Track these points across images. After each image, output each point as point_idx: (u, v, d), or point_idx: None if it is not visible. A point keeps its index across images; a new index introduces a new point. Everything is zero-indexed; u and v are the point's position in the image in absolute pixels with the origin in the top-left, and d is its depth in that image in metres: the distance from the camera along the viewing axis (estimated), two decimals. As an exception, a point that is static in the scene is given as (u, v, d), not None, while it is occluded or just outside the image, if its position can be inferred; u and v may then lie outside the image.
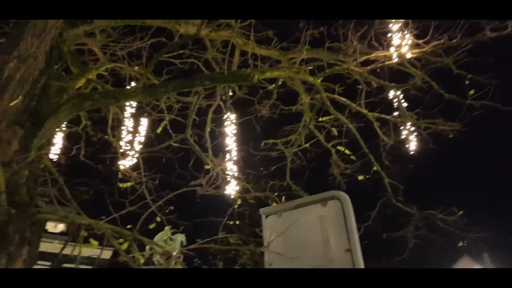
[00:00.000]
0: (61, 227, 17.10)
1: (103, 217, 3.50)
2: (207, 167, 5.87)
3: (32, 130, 3.52)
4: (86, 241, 3.88)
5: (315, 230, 2.99)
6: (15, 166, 3.40)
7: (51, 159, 5.55)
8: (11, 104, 3.22)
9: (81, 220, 3.22)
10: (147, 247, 8.52)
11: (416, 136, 5.53)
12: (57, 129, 4.24)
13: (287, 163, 4.86)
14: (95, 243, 4.18)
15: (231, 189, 4.96)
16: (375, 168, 5.10)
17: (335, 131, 5.22)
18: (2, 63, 3.71)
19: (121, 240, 3.76)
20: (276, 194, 4.53)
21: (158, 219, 4.26)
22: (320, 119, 5.17)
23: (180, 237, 9.45)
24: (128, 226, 4.03)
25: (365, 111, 5.06)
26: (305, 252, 2.94)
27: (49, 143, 4.51)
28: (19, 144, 3.45)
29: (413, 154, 5.51)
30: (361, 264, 2.74)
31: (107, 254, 13.95)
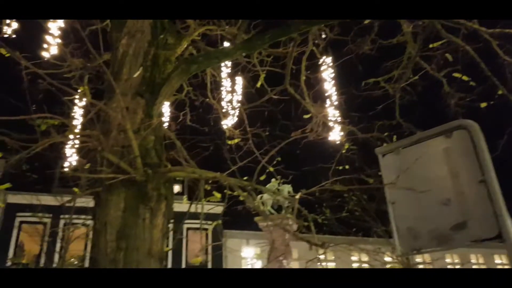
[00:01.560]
0: (176, 188, 18.95)
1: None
2: (306, 116, 5.88)
3: (151, 99, 3.86)
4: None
5: (440, 164, 2.83)
6: (142, 133, 3.80)
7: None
8: (135, 75, 3.55)
9: (208, 174, 3.51)
10: (258, 198, 9.07)
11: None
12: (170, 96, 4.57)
13: (394, 100, 4.60)
14: (218, 195, 4.55)
15: (336, 134, 4.92)
16: (500, 92, 4.54)
17: (449, 57, 4.73)
18: (116, 41, 4.08)
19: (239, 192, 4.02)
20: (386, 134, 4.36)
21: (271, 168, 4.43)
22: (431, 45, 4.71)
23: (287, 188, 9.82)
24: (245, 178, 4.28)
25: (483, 28, 4.46)
26: (431, 188, 2.82)
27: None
28: (143, 112, 3.82)
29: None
30: (498, 195, 2.54)
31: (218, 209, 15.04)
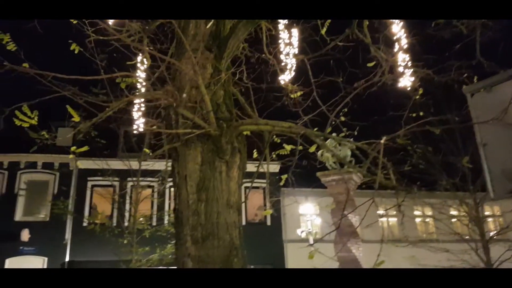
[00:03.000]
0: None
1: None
2: (369, 65, 5.58)
3: (219, 53, 3.84)
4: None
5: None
6: (213, 88, 3.83)
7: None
8: (207, 27, 3.53)
9: (283, 124, 3.49)
10: (319, 153, 9.01)
11: None
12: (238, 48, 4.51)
13: (473, 39, 4.19)
14: (288, 147, 4.54)
15: (407, 80, 4.64)
16: None
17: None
18: None
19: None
20: (465, 75, 4.03)
21: (343, 118, 4.31)
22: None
23: (349, 145, 9.63)
24: (315, 129, 4.21)
25: None
26: (530, 125, 2.60)
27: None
28: (212, 67, 3.83)
29: None
30: None
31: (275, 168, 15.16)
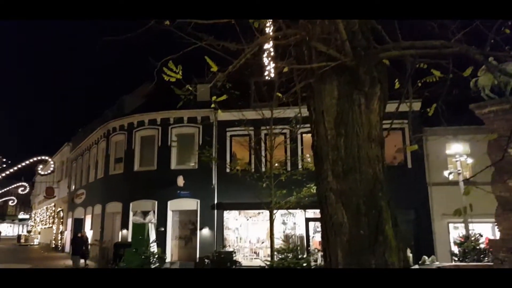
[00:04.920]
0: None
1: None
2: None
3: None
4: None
5: None
6: (346, 15, 3.56)
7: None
8: None
9: (432, 43, 3.08)
10: (472, 82, 7.88)
11: None
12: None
13: None
14: (437, 73, 4.06)
15: None
16: None
17: None
18: None
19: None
20: None
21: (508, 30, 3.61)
22: None
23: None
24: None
25: None
26: None
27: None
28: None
29: None
30: None
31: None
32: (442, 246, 15.53)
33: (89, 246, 19.85)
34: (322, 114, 3.59)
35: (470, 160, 14.53)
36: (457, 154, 14.19)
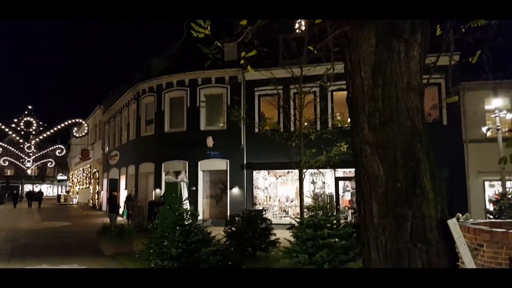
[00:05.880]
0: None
1: None
2: None
3: None
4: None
5: None
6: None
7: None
8: None
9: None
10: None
11: None
12: None
13: None
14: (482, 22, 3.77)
15: None
16: None
17: None
18: None
19: None
20: None
21: None
22: None
23: None
24: None
25: None
26: None
27: None
28: None
29: None
30: None
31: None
32: (477, 204, 15.23)
33: (121, 204, 20.79)
34: (359, 63, 3.44)
35: (510, 116, 13.81)
36: (497, 109, 13.48)
